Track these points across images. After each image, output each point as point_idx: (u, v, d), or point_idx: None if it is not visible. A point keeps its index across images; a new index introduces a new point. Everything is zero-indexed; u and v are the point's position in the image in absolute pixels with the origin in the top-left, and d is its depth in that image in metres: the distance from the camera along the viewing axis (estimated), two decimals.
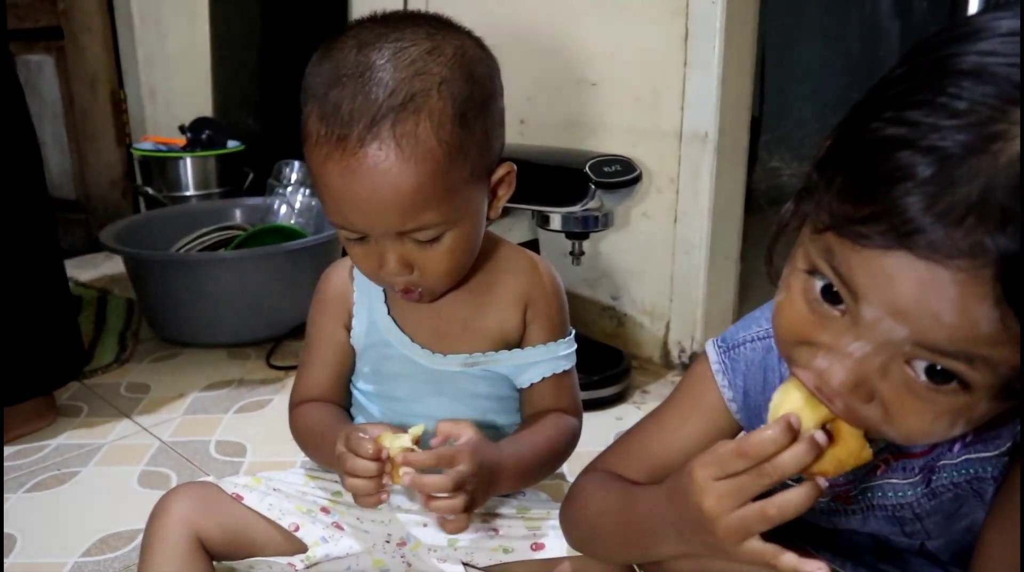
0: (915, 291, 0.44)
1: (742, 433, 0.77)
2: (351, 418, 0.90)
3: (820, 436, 0.53)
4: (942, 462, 0.63)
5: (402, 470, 0.72)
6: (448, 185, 0.70)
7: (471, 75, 0.72)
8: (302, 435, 0.87)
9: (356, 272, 0.86)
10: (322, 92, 0.70)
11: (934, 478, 0.64)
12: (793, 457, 0.53)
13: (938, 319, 0.44)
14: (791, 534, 0.75)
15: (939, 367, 0.47)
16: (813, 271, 0.51)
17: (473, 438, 0.75)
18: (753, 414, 0.72)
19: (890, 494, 0.66)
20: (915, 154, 0.43)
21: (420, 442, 0.74)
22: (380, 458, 0.72)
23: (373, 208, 0.69)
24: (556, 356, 0.86)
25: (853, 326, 0.49)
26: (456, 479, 0.71)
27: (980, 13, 0.47)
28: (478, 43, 0.76)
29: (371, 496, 0.73)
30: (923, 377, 0.48)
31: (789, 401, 0.55)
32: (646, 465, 0.76)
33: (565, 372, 0.87)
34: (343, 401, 0.90)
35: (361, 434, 0.73)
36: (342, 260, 0.89)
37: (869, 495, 0.67)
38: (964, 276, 0.42)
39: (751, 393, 0.72)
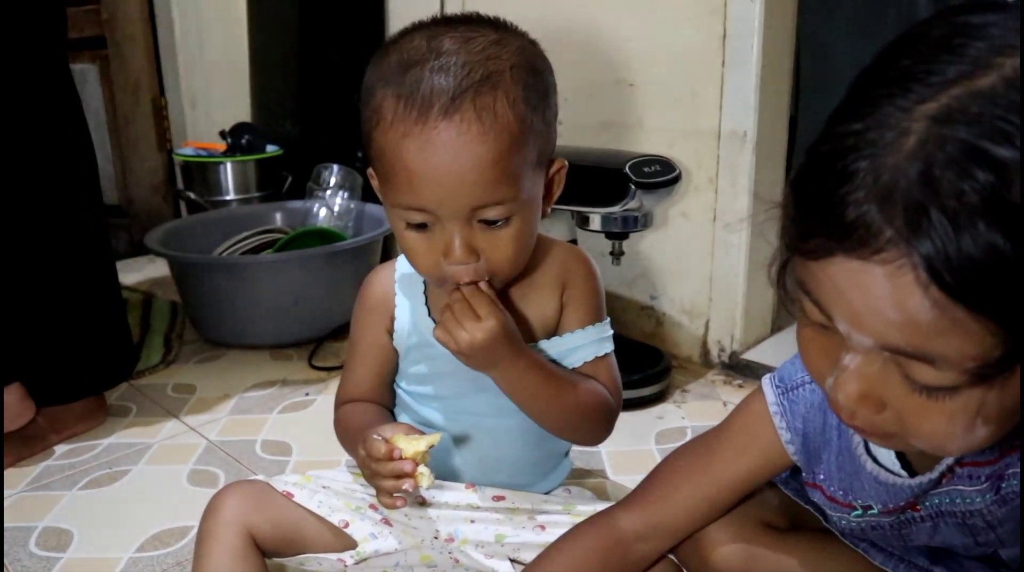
0: (858, 295, 0.46)
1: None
2: (393, 417, 0.91)
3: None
4: (1011, 470, 0.62)
5: (420, 468, 0.74)
6: (520, 163, 0.72)
7: (534, 67, 0.74)
8: (344, 434, 0.89)
9: (398, 276, 0.87)
10: (396, 77, 0.71)
11: (1003, 485, 0.62)
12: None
13: (885, 318, 0.46)
14: (859, 538, 0.75)
15: None
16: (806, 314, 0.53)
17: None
18: (813, 456, 0.72)
19: (958, 500, 0.65)
20: (840, 160, 0.46)
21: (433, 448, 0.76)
22: (392, 458, 0.74)
23: (452, 181, 0.69)
24: (595, 339, 0.86)
25: (843, 341, 0.50)
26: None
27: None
28: (535, 44, 0.78)
29: (388, 497, 0.75)
30: (916, 384, 0.49)
31: None
32: (699, 501, 0.76)
33: (605, 354, 0.87)
34: (386, 401, 0.91)
35: (376, 436, 0.75)
36: (384, 265, 0.90)
37: (937, 501, 0.66)
38: (891, 268, 0.44)
39: (811, 435, 0.71)
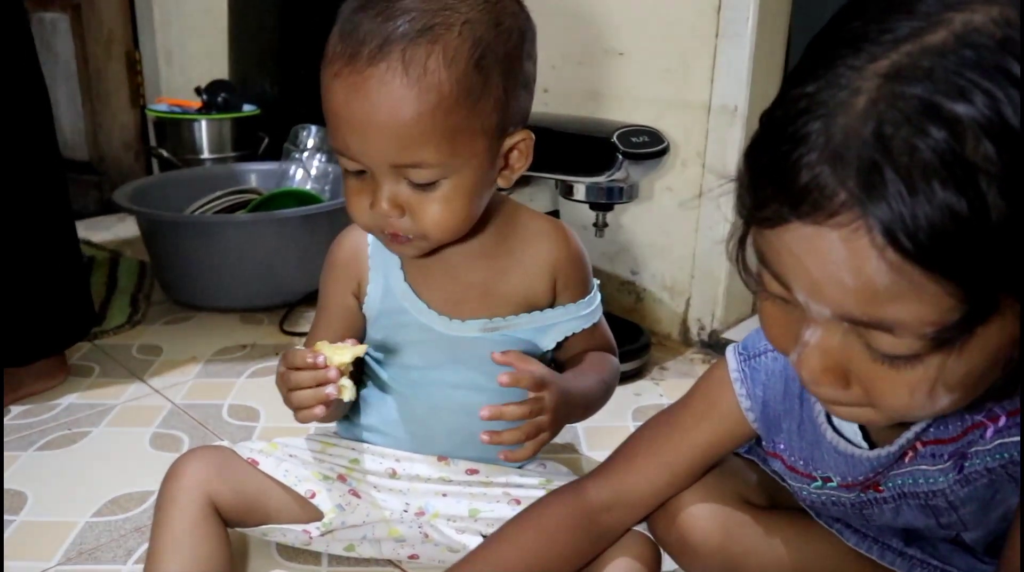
0: (814, 261, 0.45)
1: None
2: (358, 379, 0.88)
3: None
4: (975, 448, 0.61)
5: (343, 380, 0.72)
6: (451, 127, 0.68)
7: (499, 24, 0.70)
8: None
9: (372, 237, 0.84)
10: (347, 15, 0.69)
11: (966, 465, 0.62)
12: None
13: (842, 285, 0.45)
14: (824, 516, 0.74)
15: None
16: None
17: (545, 369, 0.76)
18: (772, 424, 0.71)
19: (920, 481, 0.64)
20: (792, 123, 0.45)
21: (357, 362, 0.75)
22: (317, 366, 0.71)
23: (370, 132, 0.67)
24: (577, 315, 0.84)
25: (803, 313, 0.50)
26: (535, 407, 0.74)
27: None
28: (521, 6, 0.74)
29: (310, 409, 0.72)
30: (877, 354, 0.48)
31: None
32: (661, 469, 0.76)
33: (593, 325, 0.86)
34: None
35: (297, 348, 0.74)
36: (356, 225, 0.86)
37: (900, 482, 0.65)
38: (845, 232, 0.43)
39: (770, 403, 0.71)
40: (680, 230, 1.55)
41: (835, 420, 0.67)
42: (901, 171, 0.41)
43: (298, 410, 0.73)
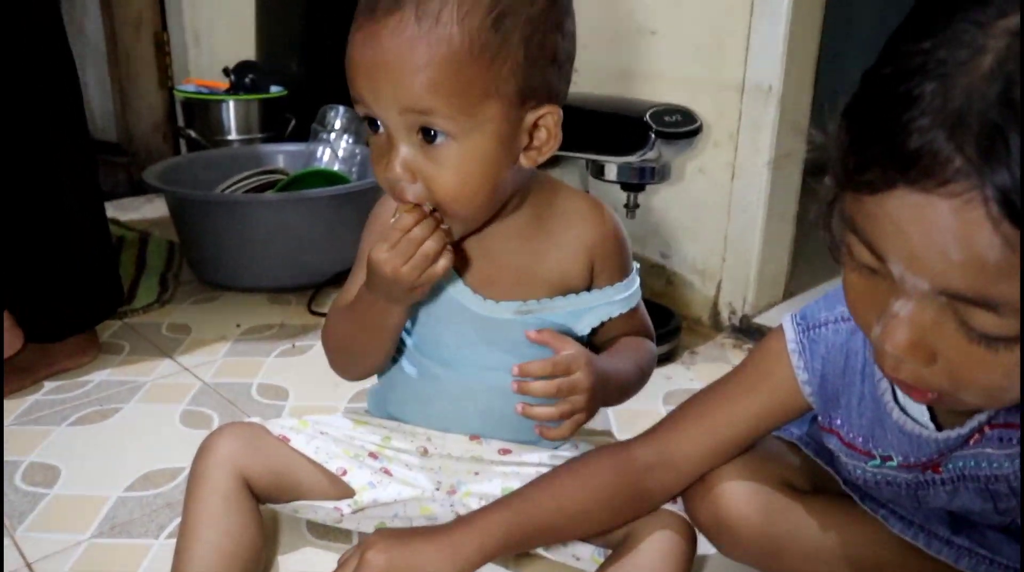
0: (919, 230, 0.43)
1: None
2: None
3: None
4: None
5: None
6: (463, 81, 0.66)
7: None
8: (336, 323, 0.85)
9: None
10: None
11: None
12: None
13: (947, 258, 0.42)
14: (874, 501, 0.72)
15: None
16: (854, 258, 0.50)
17: (581, 349, 0.74)
18: (830, 399, 0.69)
19: (983, 464, 0.62)
20: (904, 83, 0.42)
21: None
22: (426, 214, 0.70)
23: (379, 75, 0.67)
24: (615, 299, 0.83)
25: (893, 286, 0.47)
26: (565, 385, 0.73)
27: None
28: None
29: (439, 261, 0.70)
30: (974, 333, 0.45)
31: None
32: (707, 435, 0.74)
33: (631, 310, 0.85)
34: None
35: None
36: None
37: (961, 464, 0.63)
38: (958, 202, 0.40)
39: (829, 377, 0.68)
40: (712, 213, 1.53)
41: (901, 398, 0.64)
42: None
43: (431, 264, 0.71)
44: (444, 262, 0.71)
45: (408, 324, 0.85)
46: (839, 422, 0.69)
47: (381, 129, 0.70)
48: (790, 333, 0.70)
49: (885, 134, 0.43)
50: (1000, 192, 0.39)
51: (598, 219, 0.82)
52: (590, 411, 0.76)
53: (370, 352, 0.84)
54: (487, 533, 0.72)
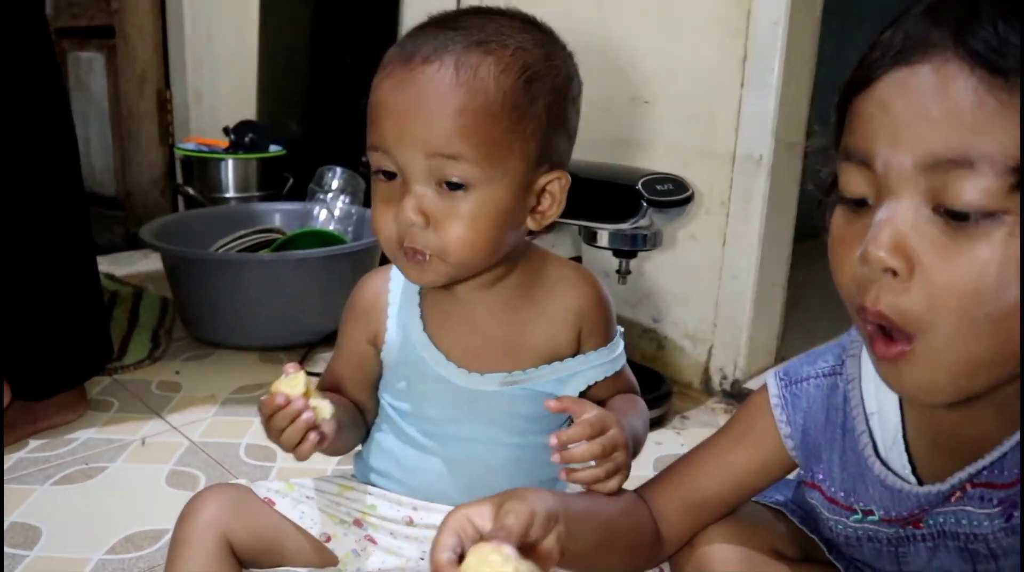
0: (902, 101, 0.49)
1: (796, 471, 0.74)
2: (362, 418, 0.87)
3: None
4: None
5: (312, 401, 0.71)
6: (491, 134, 0.68)
7: (549, 59, 0.72)
8: None
9: (393, 284, 0.83)
10: (407, 35, 0.72)
11: (1016, 514, 0.59)
12: None
13: (928, 118, 0.48)
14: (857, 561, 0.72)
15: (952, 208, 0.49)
16: (842, 198, 0.55)
17: (603, 410, 0.74)
18: (812, 453, 0.69)
19: (963, 521, 0.62)
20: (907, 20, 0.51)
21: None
22: (282, 406, 0.70)
23: (412, 119, 0.68)
24: (600, 363, 0.82)
25: (878, 202, 0.51)
26: (607, 443, 0.71)
27: None
28: (570, 54, 0.76)
29: (302, 443, 0.71)
30: (949, 220, 0.49)
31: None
32: (686, 490, 0.74)
33: (616, 372, 0.84)
34: (360, 402, 0.86)
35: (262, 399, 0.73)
36: (380, 269, 0.85)
37: (941, 520, 0.63)
38: (938, 62, 0.48)
39: (810, 432, 0.69)
40: (703, 278, 1.55)
41: (883, 451, 0.65)
42: (996, 5, 0.46)
43: (294, 450, 0.72)
44: (308, 445, 0.71)
45: (391, 397, 0.85)
46: (821, 476, 0.69)
47: (398, 177, 0.71)
48: (773, 388, 0.71)
49: (883, 40, 0.51)
50: (972, 46, 0.46)
51: (585, 287, 0.83)
52: (629, 466, 0.75)
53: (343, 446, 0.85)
54: None
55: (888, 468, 0.64)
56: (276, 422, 0.71)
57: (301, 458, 0.73)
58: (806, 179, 1.64)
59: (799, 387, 0.70)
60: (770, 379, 0.72)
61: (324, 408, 0.73)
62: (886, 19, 0.53)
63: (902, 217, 0.50)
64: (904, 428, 0.65)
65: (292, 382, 0.72)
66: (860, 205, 0.53)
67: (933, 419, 0.63)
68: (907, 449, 0.64)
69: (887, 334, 0.53)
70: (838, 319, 0.64)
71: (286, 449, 0.73)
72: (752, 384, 1.54)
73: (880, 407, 0.66)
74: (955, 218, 0.49)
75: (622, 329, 0.87)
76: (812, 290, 2.00)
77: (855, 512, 0.67)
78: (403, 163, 0.69)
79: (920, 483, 0.63)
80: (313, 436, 0.71)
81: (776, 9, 1.36)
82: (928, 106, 0.48)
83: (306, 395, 0.72)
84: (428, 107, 0.68)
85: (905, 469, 0.64)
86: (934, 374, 0.53)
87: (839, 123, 0.55)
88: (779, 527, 0.78)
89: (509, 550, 0.55)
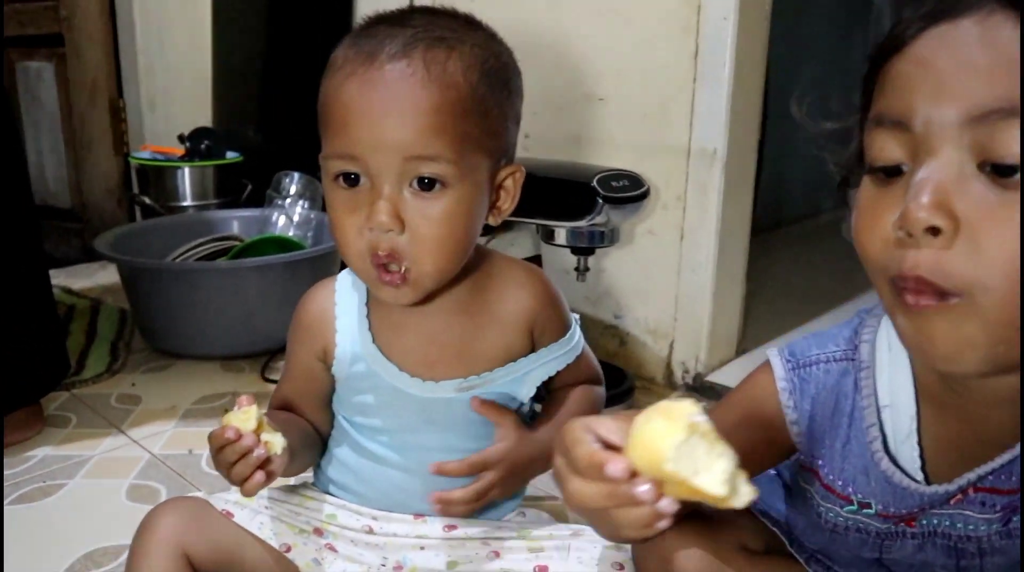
0: (945, 55, 0.49)
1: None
2: (317, 435, 0.86)
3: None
4: None
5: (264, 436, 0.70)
6: (462, 131, 0.68)
7: (498, 56, 0.73)
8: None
9: (339, 296, 0.81)
10: (356, 32, 0.71)
11: (1015, 519, 0.59)
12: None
13: (974, 70, 0.48)
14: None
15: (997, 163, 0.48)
16: (872, 168, 0.54)
17: (509, 444, 0.77)
18: (816, 441, 0.67)
19: (959, 525, 0.62)
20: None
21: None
22: (232, 440, 0.69)
23: (387, 122, 0.66)
24: (554, 357, 0.83)
25: (915, 167, 0.51)
26: (481, 488, 0.76)
27: None
28: (509, 50, 0.76)
29: (252, 479, 0.69)
30: (996, 176, 0.48)
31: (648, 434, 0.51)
32: None
33: (581, 352, 0.85)
34: (314, 419, 0.85)
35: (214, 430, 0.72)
36: (323, 282, 0.84)
37: (936, 521, 0.63)
38: (981, 15, 0.48)
39: (818, 418, 0.67)
40: (662, 273, 1.56)
41: (893, 448, 0.63)
42: None
43: (242, 485, 0.71)
44: (254, 484, 0.70)
45: (345, 411, 0.84)
46: (821, 463, 0.68)
47: (363, 182, 0.69)
48: (779, 370, 0.68)
49: (898, 21, 0.52)
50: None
51: (535, 286, 0.82)
52: (502, 492, 0.80)
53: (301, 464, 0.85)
54: None
55: (896, 465, 0.63)
56: (225, 456, 0.70)
57: (247, 494, 0.71)
58: (761, 172, 1.66)
59: (807, 371, 0.67)
60: (775, 360, 0.69)
61: (276, 443, 0.71)
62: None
63: (945, 173, 0.49)
64: (919, 423, 0.63)
65: (244, 416, 0.71)
66: (892, 174, 0.52)
67: (951, 415, 0.61)
68: (919, 445, 0.63)
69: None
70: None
71: (233, 484, 0.71)
72: (714, 377, 1.56)
73: (894, 400, 0.64)
74: (1001, 174, 0.47)
75: (578, 317, 0.87)
76: (771, 282, 2.03)
77: (851, 503, 0.66)
78: (376, 167, 0.67)
79: (927, 482, 0.62)
80: (259, 475, 0.70)
81: (725, 5, 1.37)
82: (974, 57, 0.48)
83: (258, 429, 0.71)
84: (404, 107, 0.66)
85: (915, 466, 0.62)
86: (973, 332, 0.50)
87: (866, 94, 0.55)
88: (744, 520, 0.78)
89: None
